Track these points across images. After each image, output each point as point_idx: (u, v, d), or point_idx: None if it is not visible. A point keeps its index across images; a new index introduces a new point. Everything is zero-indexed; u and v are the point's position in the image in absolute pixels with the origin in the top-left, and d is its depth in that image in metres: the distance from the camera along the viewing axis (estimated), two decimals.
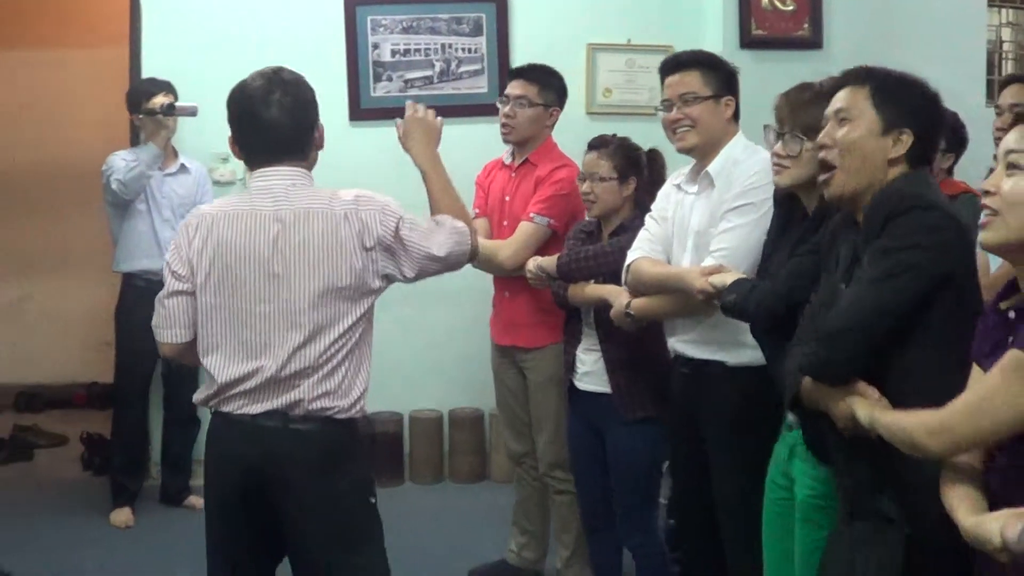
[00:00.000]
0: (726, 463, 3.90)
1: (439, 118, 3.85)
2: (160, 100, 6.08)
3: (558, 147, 5.11)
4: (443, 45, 6.76)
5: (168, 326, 3.37)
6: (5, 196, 6.64)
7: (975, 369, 2.62)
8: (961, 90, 3.07)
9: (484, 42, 6.78)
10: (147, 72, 6.54)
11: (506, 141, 5.11)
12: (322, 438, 3.28)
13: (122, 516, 6.19)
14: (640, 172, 4.56)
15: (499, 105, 5.08)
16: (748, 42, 6.36)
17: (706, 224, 3.96)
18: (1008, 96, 4.53)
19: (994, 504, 2.45)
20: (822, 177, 3.05)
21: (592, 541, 4.87)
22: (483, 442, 6.90)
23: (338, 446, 3.33)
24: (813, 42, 6.39)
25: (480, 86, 6.77)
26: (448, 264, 3.42)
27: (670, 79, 4.08)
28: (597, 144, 4.64)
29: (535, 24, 6.79)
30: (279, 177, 3.35)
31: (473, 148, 6.27)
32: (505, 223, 5.05)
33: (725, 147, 4.02)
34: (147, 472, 6.68)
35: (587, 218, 4.73)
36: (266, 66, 3.63)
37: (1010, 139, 2.57)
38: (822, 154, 3.04)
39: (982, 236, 2.56)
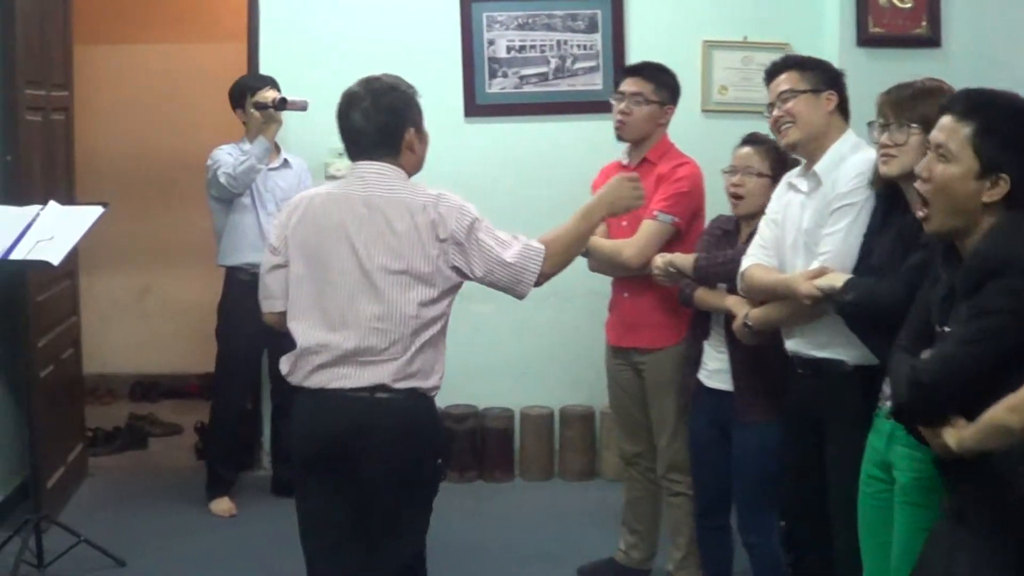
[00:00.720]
0: (848, 463, 3.86)
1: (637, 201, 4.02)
2: (272, 94, 6.22)
3: (675, 145, 5.13)
4: (558, 42, 6.81)
5: (267, 296, 3.83)
6: (129, 188, 6.85)
7: None
8: None
9: (599, 39, 6.82)
10: (264, 67, 6.72)
11: (619, 138, 5.10)
12: (407, 412, 3.62)
13: (223, 505, 6.37)
14: None
15: (613, 102, 5.09)
16: (865, 39, 6.33)
17: (814, 224, 4.01)
18: None
19: None
20: (920, 213, 3.11)
21: (704, 540, 4.91)
22: (594, 440, 6.95)
23: (418, 418, 3.66)
24: (931, 40, 6.34)
25: (595, 83, 6.80)
26: (513, 273, 3.67)
27: (771, 84, 4.23)
28: (753, 140, 4.68)
29: (650, 21, 6.82)
30: (371, 169, 3.71)
31: (587, 145, 6.39)
32: (624, 223, 5.01)
33: (834, 145, 4.08)
34: (254, 461, 6.96)
35: (734, 213, 4.71)
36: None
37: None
38: (918, 185, 3.10)
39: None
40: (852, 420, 3.86)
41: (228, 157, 6.16)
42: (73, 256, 5.87)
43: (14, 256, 5.06)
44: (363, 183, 3.69)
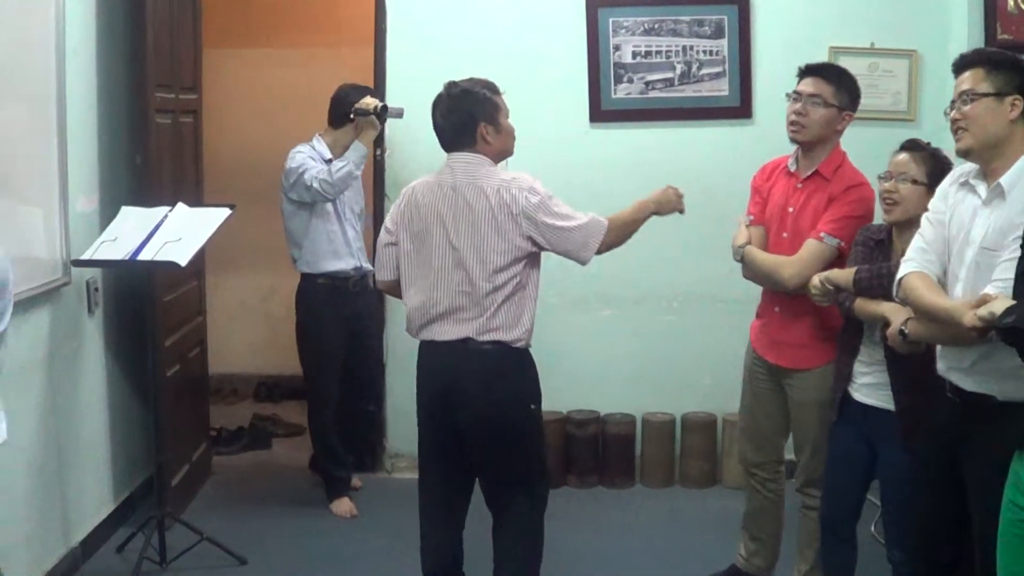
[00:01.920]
0: (987, 500, 3.73)
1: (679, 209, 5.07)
2: (373, 101, 6.40)
3: (849, 160, 4.99)
4: (684, 47, 6.88)
5: (379, 268, 4.79)
6: (256, 190, 7.05)
7: None
8: None
9: (726, 44, 6.88)
10: (391, 73, 6.92)
11: (793, 140, 4.97)
12: (491, 359, 4.52)
13: (343, 506, 6.59)
14: None
15: (787, 101, 4.97)
16: (994, 46, 6.31)
17: (992, 241, 3.78)
18: None
19: None
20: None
21: (830, 547, 4.91)
22: (715, 447, 7.03)
23: (504, 365, 4.55)
24: None
25: (721, 89, 6.87)
26: (580, 239, 4.58)
27: (957, 80, 3.99)
28: (911, 146, 4.57)
29: (777, 26, 6.89)
30: (458, 159, 4.64)
31: (713, 151, 6.49)
32: (785, 235, 4.98)
33: (1022, 157, 3.84)
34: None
35: (884, 221, 4.63)
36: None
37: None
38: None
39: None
40: (996, 455, 3.65)
41: (312, 162, 6.34)
42: (200, 257, 6.13)
43: (142, 257, 5.28)
44: (451, 172, 4.62)
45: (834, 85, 4.90)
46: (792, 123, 4.91)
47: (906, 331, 4.10)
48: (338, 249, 6.48)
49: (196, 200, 6.41)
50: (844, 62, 6.47)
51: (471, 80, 4.77)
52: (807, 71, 4.98)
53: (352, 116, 6.40)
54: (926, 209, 4.16)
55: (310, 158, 6.35)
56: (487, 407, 4.53)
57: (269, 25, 8.66)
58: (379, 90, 6.86)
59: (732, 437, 6.48)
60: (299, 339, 6.66)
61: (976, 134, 3.85)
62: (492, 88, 4.76)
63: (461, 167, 4.61)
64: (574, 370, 6.96)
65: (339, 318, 6.52)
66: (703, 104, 6.88)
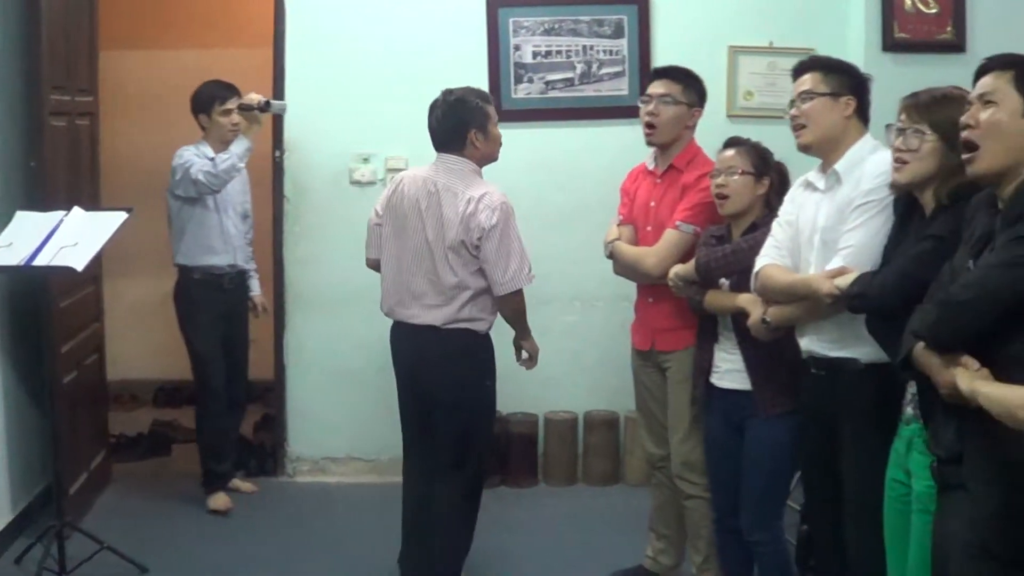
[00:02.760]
0: (863, 462, 4.00)
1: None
2: (257, 96, 6.56)
3: (703, 152, 5.25)
4: (584, 47, 6.98)
5: (368, 246, 5.39)
6: (154, 193, 6.99)
7: None
8: None
9: (625, 44, 6.98)
10: (290, 74, 6.98)
11: (649, 143, 5.26)
12: (455, 343, 5.12)
13: (220, 501, 6.70)
14: (773, 174, 4.80)
15: (641, 105, 5.23)
16: (890, 45, 6.53)
17: (834, 221, 4.13)
18: None
19: None
20: (965, 156, 3.26)
21: (723, 542, 5.05)
22: (617, 445, 7.12)
23: (466, 348, 5.15)
24: (956, 45, 6.52)
25: (621, 88, 6.98)
26: (498, 282, 5.09)
27: (796, 82, 4.36)
28: (734, 143, 4.87)
29: (676, 26, 6.99)
30: (445, 161, 5.17)
31: (613, 150, 6.56)
32: (649, 228, 5.24)
33: (853, 146, 4.22)
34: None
35: (720, 214, 4.85)
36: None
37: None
38: (965, 134, 3.25)
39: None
40: (866, 418, 4.01)
41: (197, 158, 6.48)
42: (97, 261, 6.14)
43: (37, 262, 5.25)
44: (435, 171, 5.16)
45: (682, 84, 5.21)
46: (647, 125, 5.19)
47: (768, 318, 4.36)
48: (214, 244, 6.62)
49: (93, 204, 6.42)
50: (743, 61, 6.68)
51: (466, 89, 5.24)
52: (655, 74, 5.34)
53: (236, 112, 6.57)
54: (755, 198, 4.75)
55: (196, 155, 6.49)
56: (450, 381, 5.15)
57: (167, 26, 8.66)
58: (278, 91, 6.94)
59: (634, 435, 6.58)
60: (181, 332, 6.80)
61: (815, 130, 4.26)
62: (485, 98, 5.27)
63: (446, 169, 5.15)
64: None
65: (215, 313, 6.67)
66: (603, 103, 6.97)
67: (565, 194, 6.89)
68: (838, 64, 4.39)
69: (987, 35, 6.49)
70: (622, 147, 6.61)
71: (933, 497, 3.46)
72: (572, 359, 6.95)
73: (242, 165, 6.51)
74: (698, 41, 6.84)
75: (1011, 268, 3.02)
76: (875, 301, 3.75)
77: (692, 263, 4.83)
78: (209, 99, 6.63)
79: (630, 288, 5.53)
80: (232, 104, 6.57)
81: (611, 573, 5.64)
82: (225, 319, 6.75)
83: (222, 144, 6.54)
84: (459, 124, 5.12)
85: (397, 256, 5.19)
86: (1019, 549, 3.05)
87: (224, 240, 6.64)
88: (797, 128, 4.30)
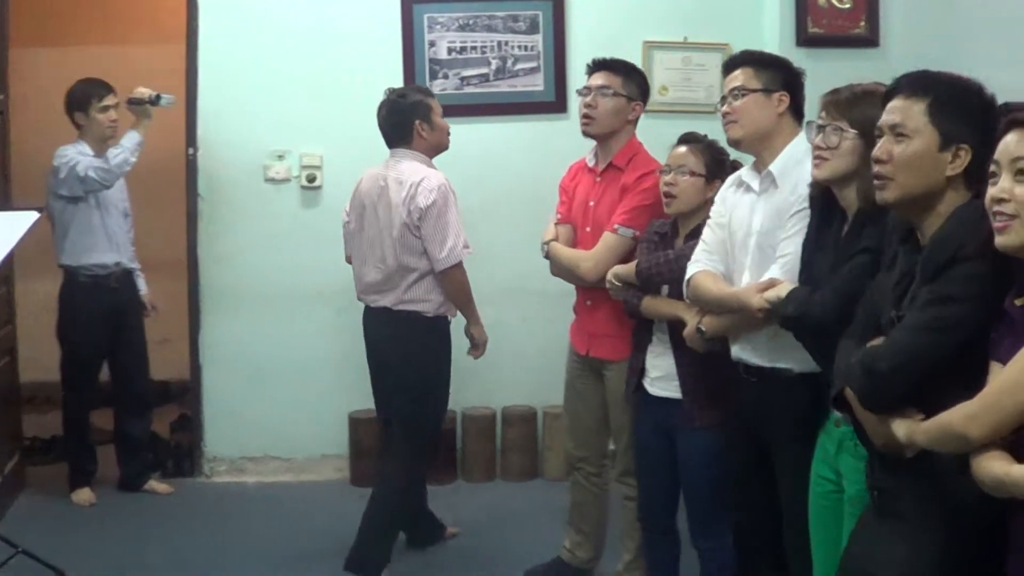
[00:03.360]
0: (798, 469, 3.92)
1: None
2: (146, 90, 6.61)
3: (645, 149, 5.20)
4: (499, 43, 7.03)
5: (345, 245, 5.84)
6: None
7: (994, 366, 2.77)
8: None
9: (540, 40, 7.04)
10: (204, 69, 6.99)
11: (585, 134, 5.19)
12: (406, 324, 5.55)
13: (83, 496, 6.76)
14: (725, 177, 4.58)
15: (579, 96, 5.20)
16: (804, 40, 6.61)
17: (770, 226, 4.08)
18: None
19: None
20: (877, 182, 3.12)
21: (650, 541, 5.06)
22: (535, 440, 7.18)
23: (416, 330, 5.57)
24: (869, 40, 6.62)
25: (536, 84, 7.03)
26: (436, 260, 5.47)
27: (726, 77, 4.31)
28: (688, 139, 4.78)
29: (592, 21, 7.06)
30: (394, 155, 5.61)
31: (529, 145, 6.64)
32: (588, 229, 5.18)
33: (788, 146, 4.14)
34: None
35: (666, 212, 4.77)
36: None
37: (1011, 146, 2.72)
38: (877, 168, 3.11)
39: (1001, 240, 2.71)
40: (800, 426, 3.92)
41: (82, 156, 6.51)
42: (8, 262, 6.10)
43: None
44: (386, 165, 5.59)
45: (622, 76, 5.15)
46: (583, 116, 5.13)
47: (703, 328, 4.31)
48: (99, 243, 6.65)
49: (3, 204, 6.44)
50: (658, 56, 6.74)
51: (408, 87, 5.93)
52: (595, 66, 5.22)
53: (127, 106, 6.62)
54: (704, 200, 4.59)
55: (79, 154, 6.51)
56: (398, 361, 5.59)
57: (79, 23, 8.63)
58: (191, 87, 6.95)
59: (552, 430, 6.64)
60: (58, 330, 6.83)
61: (746, 126, 4.19)
62: (425, 92, 5.80)
63: (395, 162, 5.57)
64: None
65: (100, 313, 6.70)
66: (518, 99, 7.03)
67: (480, 191, 6.89)
68: (771, 59, 4.35)
69: (900, 30, 6.61)
70: (537, 142, 6.71)
71: (867, 502, 3.43)
72: (488, 355, 6.94)
73: (134, 160, 6.54)
74: (613, 36, 6.84)
75: (934, 332, 2.91)
76: (816, 322, 3.65)
77: (632, 265, 4.76)
78: (85, 97, 6.65)
79: (545, 283, 5.59)
80: (111, 100, 6.62)
81: (529, 568, 5.69)
82: (112, 320, 6.77)
83: (100, 143, 6.58)
84: (404, 118, 5.56)
85: (359, 247, 5.66)
86: None
87: (109, 239, 6.67)
88: (728, 124, 4.24)
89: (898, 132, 3.07)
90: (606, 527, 5.57)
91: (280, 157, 6.98)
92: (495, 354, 6.86)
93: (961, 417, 2.70)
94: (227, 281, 7.09)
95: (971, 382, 2.79)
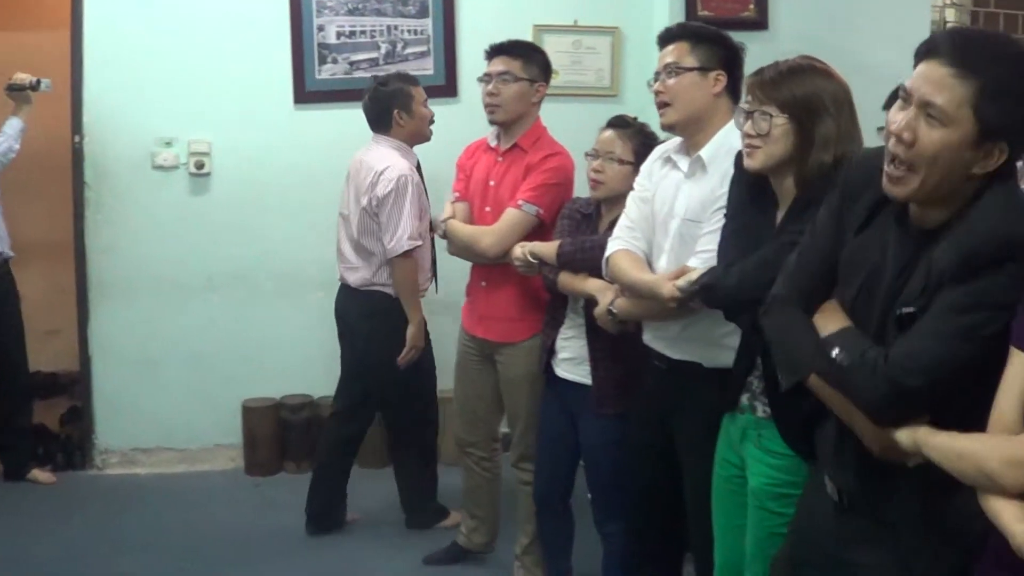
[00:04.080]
0: (698, 463, 3.95)
1: None
2: (26, 76, 6.60)
3: (548, 132, 5.20)
4: (389, 27, 7.06)
5: None
6: None
7: (1017, 356, 2.42)
8: (907, 72, 3.15)
9: (430, 23, 7.08)
10: (90, 57, 6.93)
11: (492, 122, 5.18)
12: (370, 302, 5.88)
13: None
14: None
15: (481, 84, 5.18)
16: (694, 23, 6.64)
17: (695, 212, 3.95)
18: None
19: None
20: (891, 170, 2.62)
21: (545, 520, 5.13)
22: None
23: (381, 307, 5.84)
24: (758, 23, 6.71)
25: (426, 68, 7.06)
26: (385, 248, 5.75)
27: (661, 52, 4.10)
28: (617, 123, 4.69)
29: (481, 5, 7.12)
30: (374, 140, 5.90)
31: None
32: (488, 209, 5.17)
33: (721, 131, 4.00)
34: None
35: (592, 197, 4.74)
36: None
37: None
38: (895, 149, 2.58)
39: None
40: (705, 418, 3.87)
41: None
42: None
43: None
44: (366, 150, 5.87)
45: (522, 59, 5.13)
46: (487, 105, 5.11)
47: (614, 310, 4.26)
48: None
49: None
50: (548, 40, 6.79)
51: (393, 73, 6.02)
52: (494, 51, 5.20)
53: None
54: (631, 186, 4.36)
55: None
56: (362, 338, 5.94)
57: None
58: (77, 74, 6.90)
59: (448, 414, 6.66)
60: None
61: (680, 108, 4.01)
62: (408, 80, 5.92)
63: (374, 147, 5.85)
64: (286, 355, 7.18)
65: None
66: None
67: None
68: (709, 34, 4.09)
69: (789, 12, 6.70)
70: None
71: (772, 495, 3.44)
72: None
73: (18, 147, 6.55)
74: (503, 19, 6.89)
75: (969, 342, 2.50)
76: (729, 293, 3.50)
77: (551, 247, 4.67)
78: None
79: (448, 268, 5.63)
80: (21, 77, 6.57)
81: (428, 555, 5.79)
82: None
83: None
84: (382, 106, 5.81)
85: (340, 228, 6.00)
86: None
87: None
88: (660, 106, 4.06)
89: (930, 113, 2.51)
90: (500, 510, 5.65)
91: (168, 144, 6.96)
92: None
93: (1001, 462, 2.33)
94: (116, 270, 7.05)
95: (984, 379, 2.49)
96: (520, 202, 4.97)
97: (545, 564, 5.30)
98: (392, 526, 6.23)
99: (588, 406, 4.68)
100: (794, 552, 3.16)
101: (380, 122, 5.84)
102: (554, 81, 6.85)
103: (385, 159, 5.70)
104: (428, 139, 5.93)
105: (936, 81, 2.49)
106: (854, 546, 2.87)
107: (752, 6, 6.75)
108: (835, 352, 2.72)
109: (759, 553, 3.49)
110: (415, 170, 5.76)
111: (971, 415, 2.49)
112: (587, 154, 4.69)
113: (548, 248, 4.69)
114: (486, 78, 5.13)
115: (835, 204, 2.91)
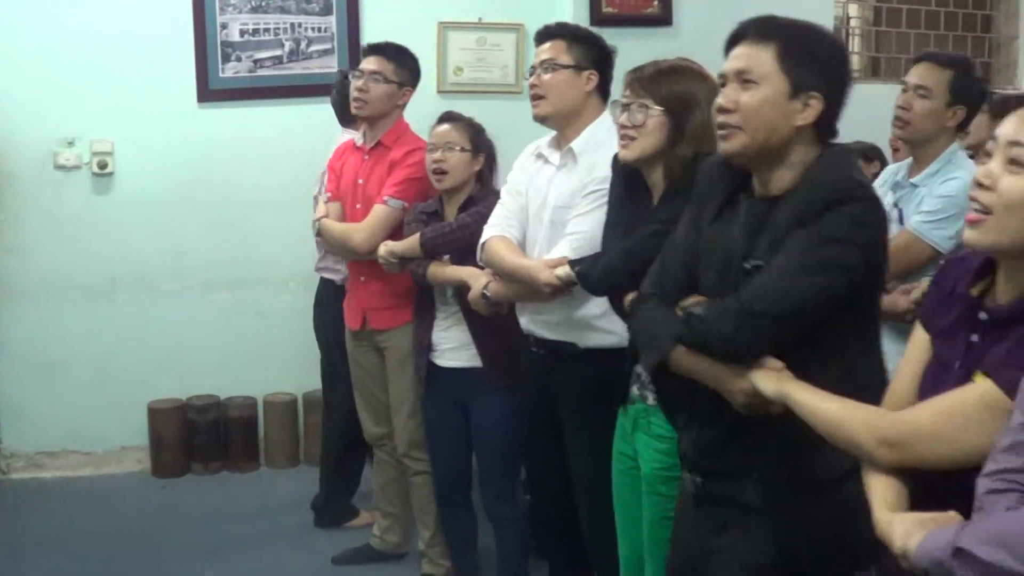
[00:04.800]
0: (581, 441, 4.14)
1: None
2: None
3: (411, 129, 5.32)
4: (292, 24, 7.11)
5: None
6: None
7: (917, 329, 2.63)
8: None
9: (334, 21, 7.14)
10: None
11: (356, 115, 5.37)
12: (320, 288, 6.14)
13: None
14: (486, 150, 4.91)
15: (352, 79, 5.29)
16: (599, 19, 6.77)
17: (566, 201, 4.15)
18: (915, 76, 4.37)
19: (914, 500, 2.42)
20: (721, 133, 2.93)
21: (448, 516, 5.22)
22: None
23: (326, 294, 6.00)
24: (662, 19, 6.86)
25: (330, 65, 7.11)
26: None
27: (538, 49, 4.30)
28: (448, 117, 4.96)
29: (386, 2, 7.18)
30: (342, 133, 5.92)
31: (323, 128, 6.66)
32: (358, 206, 5.29)
33: (591, 125, 4.21)
34: None
35: (438, 188, 4.89)
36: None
37: (1009, 129, 2.38)
38: (722, 118, 2.91)
39: (970, 236, 2.40)
40: (587, 400, 4.09)
41: None
42: None
43: None
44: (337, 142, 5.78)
45: (395, 63, 5.25)
46: (355, 98, 5.22)
47: (488, 293, 4.41)
48: None
49: None
50: (453, 37, 6.86)
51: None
52: (370, 50, 5.34)
53: None
54: (471, 174, 4.84)
55: None
56: (321, 325, 6.12)
57: None
58: None
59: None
60: None
61: (554, 102, 4.21)
62: None
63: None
64: (193, 355, 7.19)
65: None
66: (313, 81, 7.07)
67: (278, 173, 7.00)
68: (584, 35, 4.34)
69: (692, 9, 6.83)
70: (332, 124, 6.73)
71: (663, 479, 3.58)
72: (290, 340, 7.03)
73: None
74: (407, 17, 7.00)
75: (818, 274, 2.72)
76: (598, 280, 3.73)
77: (411, 240, 4.83)
78: None
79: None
80: None
81: (336, 555, 5.80)
82: None
83: None
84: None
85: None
86: (819, 566, 2.89)
87: None
88: (535, 98, 4.26)
89: (745, 79, 2.87)
90: (413, 506, 5.67)
91: (70, 143, 6.96)
92: (295, 338, 6.95)
93: (874, 441, 2.46)
94: (18, 272, 7.05)
95: (834, 344, 2.79)
96: (386, 198, 5.12)
97: (452, 559, 5.37)
98: (302, 526, 6.26)
99: (479, 386, 4.80)
100: (671, 554, 3.32)
101: (343, 114, 5.90)
102: (459, 78, 7.08)
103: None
104: None
105: (743, 55, 2.88)
106: (712, 534, 3.03)
107: (656, 3, 6.88)
108: (692, 312, 2.92)
109: (655, 537, 3.61)
110: None
111: (824, 368, 2.73)
112: (427, 150, 4.92)
113: (409, 242, 4.86)
114: (358, 73, 5.25)
115: (693, 204, 3.15)
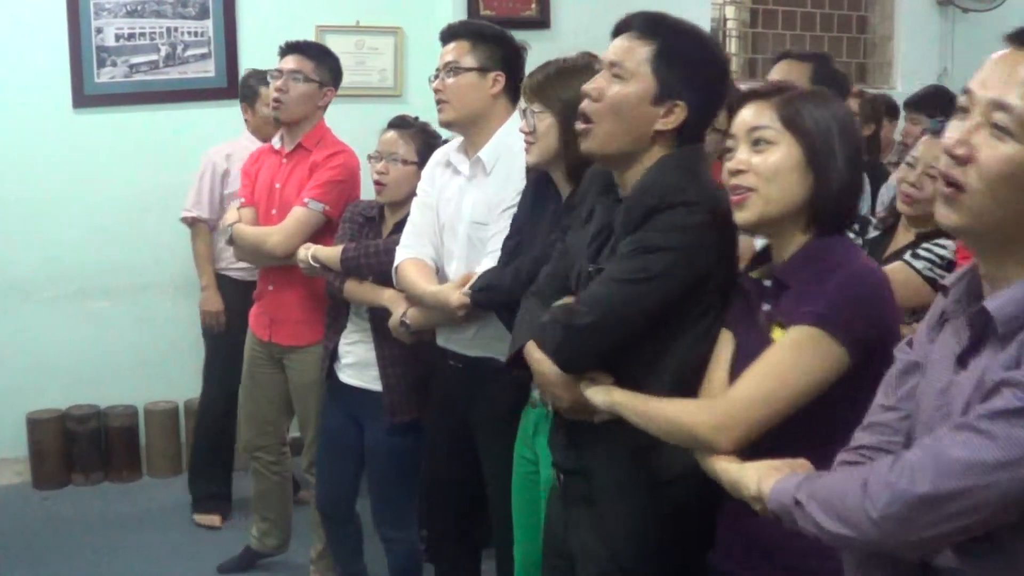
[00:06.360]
0: (498, 455, 4.07)
1: None
2: None
3: (332, 132, 5.30)
4: (169, 29, 7.13)
5: None
6: None
7: (724, 333, 2.80)
8: None
9: (211, 25, 7.19)
10: None
11: (276, 119, 5.29)
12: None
13: None
14: None
15: (270, 80, 5.21)
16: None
17: (482, 215, 4.09)
18: (777, 73, 4.56)
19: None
20: (580, 126, 3.00)
21: (330, 530, 5.25)
22: None
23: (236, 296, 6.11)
24: (541, 22, 7.02)
25: (207, 70, 7.18)
26: None
27: (442, 49, 4.23)
28: (399, 124, 4.80)
29: (263, 6, 7.26)
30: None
31: (201, 132, 6.80)
32: (274, 211, 5.22)
33: (500, 131, 4.14)
34: None
35: (377, 199, 4.81)
36: None
37: (747, 116, 2.64)
38: (583, 106, 2.97)
39: (740, 216, 2.63)
40: (503, 413, 4.02)
41: None
42: None
43: None
44: None
45: (315, 62, 5.21)
46: (275, 100, 5.16)
47: (408, 321, 4.36)
48: None
49: None
50: (331, 40, 6.92)
51: (252, 71, 6.14)
52: (288, 49, 5.26)
53: None
54: (416, 186, 4.50)
55: None
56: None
57: None
58: None
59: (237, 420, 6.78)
60: None
61: (457, 107, 4.15)
62: (258, 77, 6.08)
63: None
64: (72, 365, 7.17)
65: None
66: (190, 86, 7.14)
67: (155, 179, 7.02)
68: (490, 33, 4.25)
69: (570, 11, 7.00)
70: (210, 129, 6.82)
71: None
72: (170, 347, 7.08)
73: None
74: (285, 20, 7.04)
75: (638, 283, 2.81)
76: (506, 293, 3.71)
77: (334, 252, 4.71)
78: None
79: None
80: None
81: (221, 563, 5.86)
82: None
83: None
84: (255, 100, 6.26)
85: None
86: (651, 564, 2.98)
87: None
88: (438, 103, 4.18)
89: (615, 72, 2.92)
90: (291, 513, 5.80)
91: None
92: (175, 346, 7.01)
93: (708, 428, 2.55)
94: None
95: (668, 344, 2.88)
96: (306, 200, 5.04)
97: (337, 570, 5.41)
98: (186, 534, 6.33)
99: (377, 414, 4.73)
100: (544, 549, 3.48)
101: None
102: None
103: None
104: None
105: (622, 47, 2.94)
106: (573, 532, 3.18)
107: (534, 5, 7.06)
108: (547, 315, 3.04)
109: None
110: (229, 158, 6.32)
111: (649, 377, 2.87)
112: (370, 156, 4.78)
113: (331, 253, 4.73)
114: (277, 73, 5.17)
115: (574, 208, 3.30)
